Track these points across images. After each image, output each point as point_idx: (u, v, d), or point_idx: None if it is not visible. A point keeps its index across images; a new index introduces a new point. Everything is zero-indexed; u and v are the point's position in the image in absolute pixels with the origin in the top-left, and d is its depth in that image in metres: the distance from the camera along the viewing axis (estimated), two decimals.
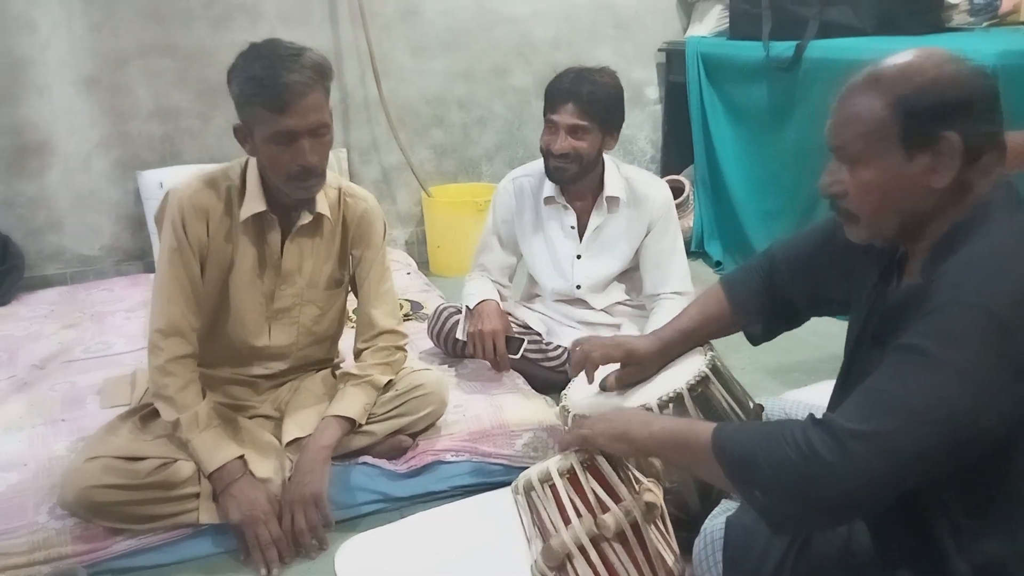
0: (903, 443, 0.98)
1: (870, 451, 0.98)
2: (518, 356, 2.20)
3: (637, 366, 1.58)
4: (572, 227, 2.30)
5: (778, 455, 1.03)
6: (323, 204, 1.82)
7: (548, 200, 2.29)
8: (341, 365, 2.09)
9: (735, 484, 1.09)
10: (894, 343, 1.04)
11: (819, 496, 1.00)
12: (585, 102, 2.10)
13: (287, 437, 1.84)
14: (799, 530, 1.15)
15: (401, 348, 1.96)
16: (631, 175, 2.29)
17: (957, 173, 1.07)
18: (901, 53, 1.13)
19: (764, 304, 1.50)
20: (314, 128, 1.64)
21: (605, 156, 2.25)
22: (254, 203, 1.74)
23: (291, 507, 1.72)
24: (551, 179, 2.23)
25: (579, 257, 2.31)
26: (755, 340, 1.56)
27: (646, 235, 2.27)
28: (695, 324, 1.58)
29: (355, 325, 1.98)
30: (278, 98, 1.58)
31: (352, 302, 2.02)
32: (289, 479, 1.76)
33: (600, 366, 1.61)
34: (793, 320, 1.53)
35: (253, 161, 1.75)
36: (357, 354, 1.96)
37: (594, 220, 2.27)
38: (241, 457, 1.72)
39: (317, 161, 1.66)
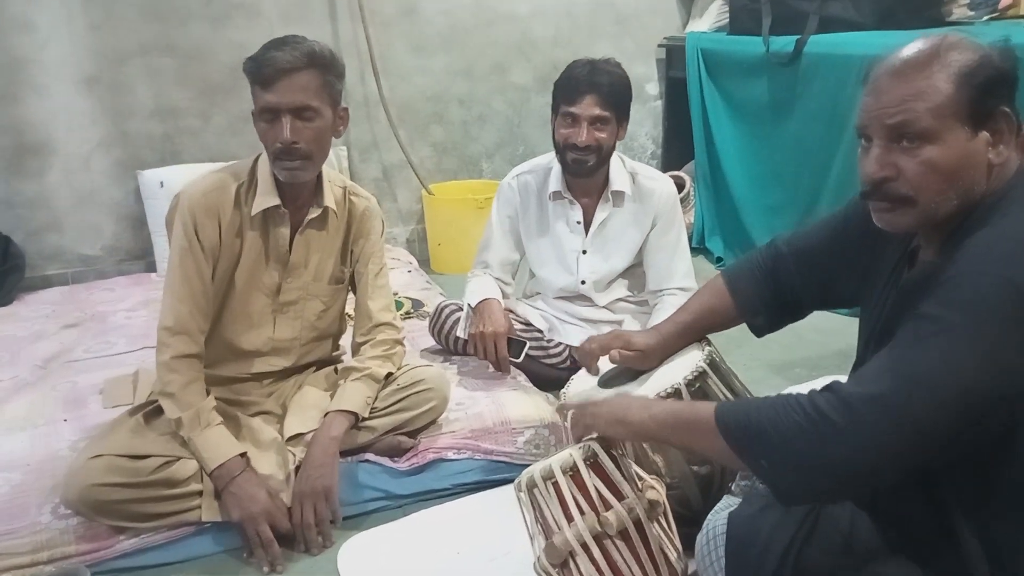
0: (909, 407, 0.97)
1: (876, 414, 0.97)
2: (520, 360, 2.20)
3: (639, 353, 1.59)
4: (578, 222, 2.29)
5: (784, 421, 1.03)
6: (330, 198, 1.85)
7: (555, 196, 2.28)
8: (343, 358, 2.10)
9: (741, 455, 1.09)
10: (910, 314, 1.03)
11: (826, 461, 1.00)
12: (606, 92, 2.11)
13: (289, 432, 1.84)
14: (808, 500, 1.14)
15: (400, 342, 1.98)
16: (637, 169, 2.30)
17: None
18: (929, 37, 1.11)
19: (768, 297, 1.50)
20: (297, 108, 1.67)
21: None
22: (266, 197, 1.77)
23: (301, 500, 1.73)
24: (571, 173, 2.22)
25: (584, 252, 2.30)
26: (759, 332, 1.56)
27: (651, 230, 2.27)
28: (696, 317, 1.58)
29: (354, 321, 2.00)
30: (261, 72, 1.66)
31: (350, 302, 2.02)
32: (298, 472, 1.77)
33: (600, 357, 1.63)
34: (797, 313, 1.52)
35: (264, 157, 1.78)
36: (356, 348, 1.97)
37: (599, 214, 2.27)
38: (243, 454, 1.73)
39: (297, 141, 1.68)
